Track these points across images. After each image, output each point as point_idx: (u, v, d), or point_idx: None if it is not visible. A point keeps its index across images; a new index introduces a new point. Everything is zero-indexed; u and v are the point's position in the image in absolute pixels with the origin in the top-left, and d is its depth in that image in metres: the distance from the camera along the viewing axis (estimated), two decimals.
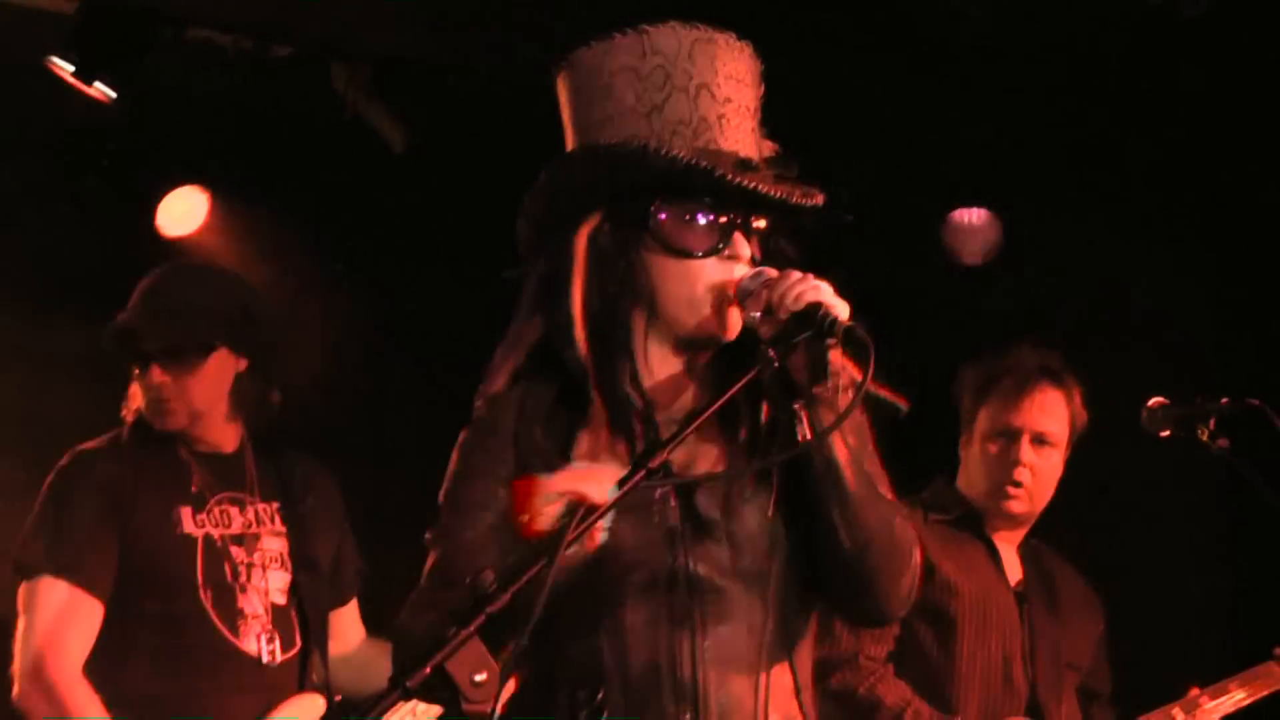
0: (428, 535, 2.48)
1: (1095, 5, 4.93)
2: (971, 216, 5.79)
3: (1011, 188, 5.79)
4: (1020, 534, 4.11)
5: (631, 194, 2.42)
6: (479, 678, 2.04)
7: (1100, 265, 5.84)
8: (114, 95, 4.73)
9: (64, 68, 4.68)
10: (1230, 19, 4.87)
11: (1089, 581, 4.27)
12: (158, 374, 3.74)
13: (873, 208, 5.58)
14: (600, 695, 2.38)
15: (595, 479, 2.20)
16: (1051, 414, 4.00)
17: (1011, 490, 3.98)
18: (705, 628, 2.40)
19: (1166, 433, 4.12)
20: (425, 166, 5.23)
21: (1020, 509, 4.01)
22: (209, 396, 3.78)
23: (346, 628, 4.00)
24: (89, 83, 4.69)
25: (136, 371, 3.80)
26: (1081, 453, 4.14)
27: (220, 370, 3.79)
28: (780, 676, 2.44)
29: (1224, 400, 4.07)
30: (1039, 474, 3.99)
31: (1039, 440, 3.98)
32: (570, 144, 2.53)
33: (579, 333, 2.43)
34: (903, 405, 2.36)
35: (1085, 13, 4.98)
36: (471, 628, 2.02)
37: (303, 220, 5.38)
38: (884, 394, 2.34)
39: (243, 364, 3.82)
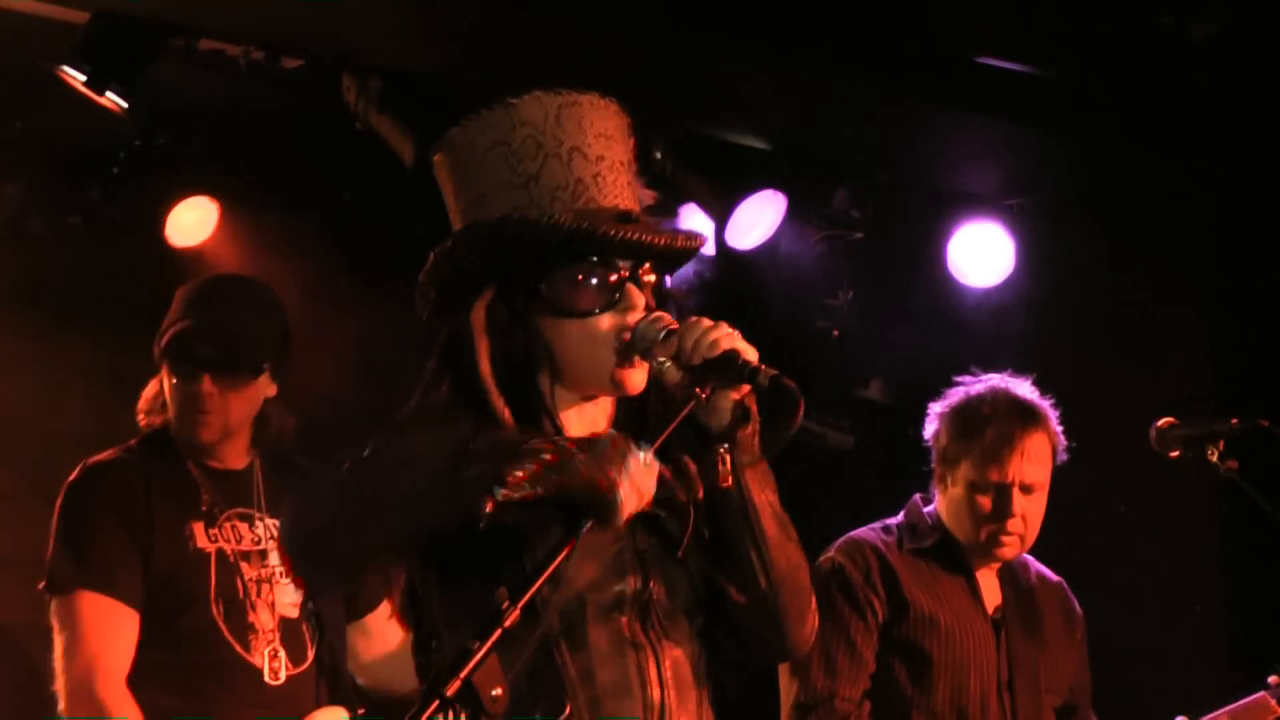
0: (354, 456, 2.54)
1: (1105, 25, 4.94)
2: (980, 235, 5.79)
3: (1015, 204, 5.81)
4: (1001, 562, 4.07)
5: (521, 265, 2.46)
6: (495, 693, 2.10)
7: (1103, 283, 5.85)
8: (125, 105, 4.73)
9: (75, 77, 4.68)
10: (1240, 42, 4.89)
11: (1073, 592, 4.19)
12: (207, 383, 3.71)
13: (876, 221, 5.66)
14: (567, 710, 2.41)
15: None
16: (1038, 459, 3.92)
17: (1005, 540, 3.93)
18: (663, 651, 2.47)
19: (1175, 453, 4.10)
20: (435, 179, 5.22)
21: (1013, 554, 3.97)
22: (243, 416, 3.77)
23: (384, 629, 3.93)
24: (100, 93, 4.69)
25: (175, 381, 3.74)
26: (1080, 471, 4.11)
27: (260, 392, 3.78)
28: (707, 707, 2.53)
29: (1234, 421, 4.05)
30: (1030, 518, 3.94)
31: (1027, 489, 3.93)
32: (455, 223, 2.56)
33: (496, 401, 2.46)
34: (848, 442, 2.44)
35: (1095, 32, 4.99)
36: (490, 641, 2.07)
37: (312, 231, 5.39)
38: (828, 432, 2.41)
39: (273, 390, 3.81)
